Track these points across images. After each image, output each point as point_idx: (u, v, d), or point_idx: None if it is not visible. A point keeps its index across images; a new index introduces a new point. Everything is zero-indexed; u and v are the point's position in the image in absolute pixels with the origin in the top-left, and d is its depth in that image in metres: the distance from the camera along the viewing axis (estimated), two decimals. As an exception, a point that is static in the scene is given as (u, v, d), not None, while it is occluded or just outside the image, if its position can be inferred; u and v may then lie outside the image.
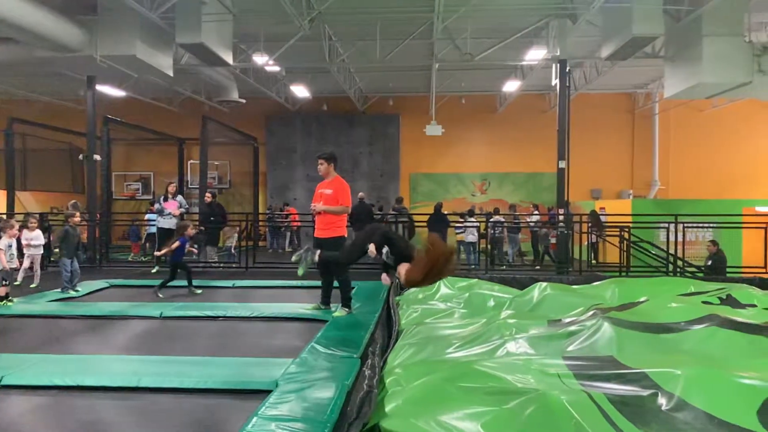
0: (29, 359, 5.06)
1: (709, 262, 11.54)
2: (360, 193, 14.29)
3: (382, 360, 4.90)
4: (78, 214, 9.45)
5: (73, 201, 12.47)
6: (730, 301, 6.81)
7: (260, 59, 13.74)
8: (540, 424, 3.53)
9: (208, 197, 13.30)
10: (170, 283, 8.66)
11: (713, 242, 11.66)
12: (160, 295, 8.36)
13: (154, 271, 11.04)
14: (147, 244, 14.92)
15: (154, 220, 14.05)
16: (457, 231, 14.85)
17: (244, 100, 17.70)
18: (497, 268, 12.74)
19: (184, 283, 8.80)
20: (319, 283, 7.50)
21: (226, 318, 7.00)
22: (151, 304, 7.75)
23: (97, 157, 13.76)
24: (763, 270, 10.49)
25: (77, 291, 8.61)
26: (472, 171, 20.68)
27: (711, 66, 10.93)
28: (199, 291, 8.70)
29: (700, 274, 11.31)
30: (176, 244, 8.73)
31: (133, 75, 13.23)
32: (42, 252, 9.85)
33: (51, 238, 12.25)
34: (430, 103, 16.40)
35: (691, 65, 11.33)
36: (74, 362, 5.05)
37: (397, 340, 5.85)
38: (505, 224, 14.98)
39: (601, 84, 17.57)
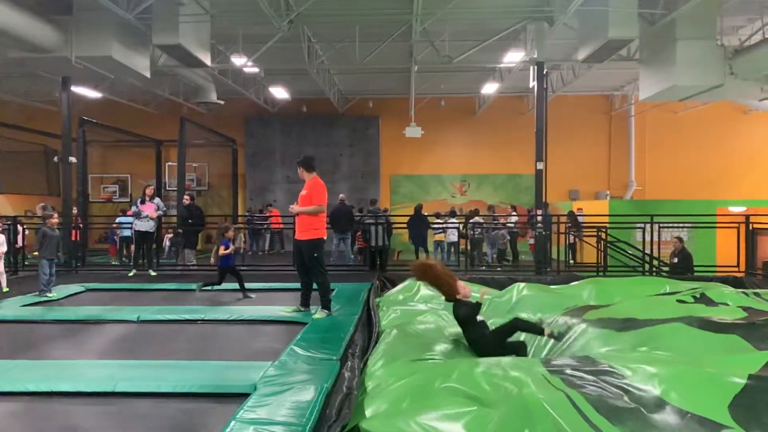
0: (2, 365, 4.96)
1: (675, 259, 11.75)
2: (340, 195, 14.27)
3: (362, 362, 4.91)
4: (56, 215, 9.27)
5: (42, 203, 12.23)
6: (704, 299, 6.96)
7: (238, 60, 13.65)
8: (519, 423, 3.58)
9: (186, 199, 13.18)
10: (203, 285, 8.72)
11: (678, 239, 11.87)
12: (252, 296, 8.40)
13: (131, 274, 10.91)
14: (124, 248, 14.70)
15: (125, 224, 13.92)
16: (436, 232, 14.92)
17: (222, 102, 17.59)
18: (476, 269, 12.81)
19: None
20: (298, 285, 7.49)
21: (204, 321, 6.93)
22: (128, 308, 7.64)
23: (73, 159, 13.56)
24: (736, 269, 10.70)
25: (53, 295, 8.47)
26: (452, 172, 20.80)
27: (684, 69, 11.12)
28: (252, 295, 8.55)
29: (666, 270, 11.53)
30: (222, 249, 8.60)
31: (109, 76, 13.07)
32: (2, 258, 9.58)
33: (25, 242, 12.05)
34: (410, 104, 16.45)
35: (665, 68, 11.52)
36: (49, 368, 4.97)
37: (377, 341, 5.86)
38: (484, 225, 15.07)
39: (578, 86, 17.79)
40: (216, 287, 8.77)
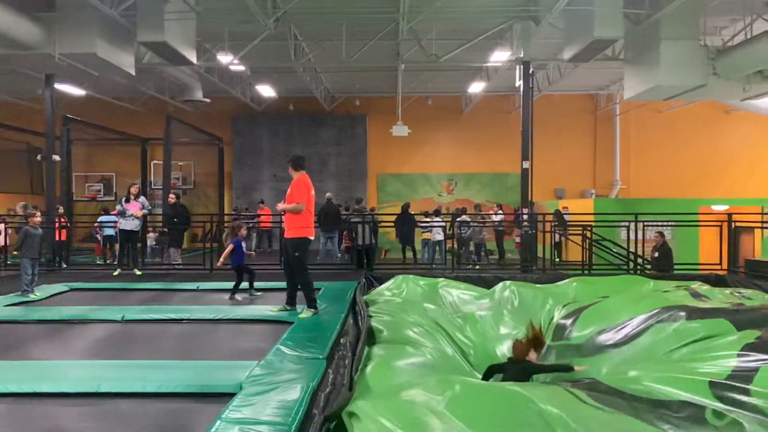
0: (-16, 366, 4.91)
1: (656, 254, 11.89)
2: (327, 194, 14.25)
3: (350, 363, 4.87)
4: (38, 213, 9.14)
5: (23, 202, 12.08)
6: (688, 290, 7.17)
7: (225, 58, 13.58)
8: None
9: (171, 198, 13.10)
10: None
11: (660, 233, 12.01)
12: (238, 298, 8.31)
13: (115, 273, 10.81)
14: (107, 247, 14.56)
15: (106, 223, 13.81)
16: (424, 230, 14.96)
17: (208, 100, 17.48)
18: (463, 267, 12.86)
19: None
20: (283, 284, 7.48)
21: (190, 321, 6.89)
22: (112, 307, 7.57)
23: (56, 157, 13.42)
24: (719, 267, 10.83)
25: (36, 295, 8.37)
26: (439, 171, 20.85)
27: (668, 68, 11.21)
28: (259, 293, 8.40)
29: (650, 267, 11.67)
30: (230, 247, 8.47)
31: (93, 73, 12.94)
32: None
33: (8, 242, 11.91)
34: (397, 103, 16.45)
35: (650, 68, 11.61)
36: (31, 368, 4.92)
37: (366, 340, 5.86)
38: (471, 224, 15.12)
39: (564, 85, 17.88)
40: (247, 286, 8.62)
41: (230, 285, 9.06)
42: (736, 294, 7.07)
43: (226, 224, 12.96)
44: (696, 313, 5.69)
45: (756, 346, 4.44)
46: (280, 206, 7.21)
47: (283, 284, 7.71)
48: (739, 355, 4.33)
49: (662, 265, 11.48)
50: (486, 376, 5.60)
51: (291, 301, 7.25)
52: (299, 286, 7.17)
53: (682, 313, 5.75)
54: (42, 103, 13.67)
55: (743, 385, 4.00)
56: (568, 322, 6.73)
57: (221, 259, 8.78)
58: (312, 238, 7.23)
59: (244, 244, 8.67)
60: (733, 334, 5.01)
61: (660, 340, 5.52)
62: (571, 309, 7.05)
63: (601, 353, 5.93)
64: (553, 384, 4.19)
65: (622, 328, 6.05)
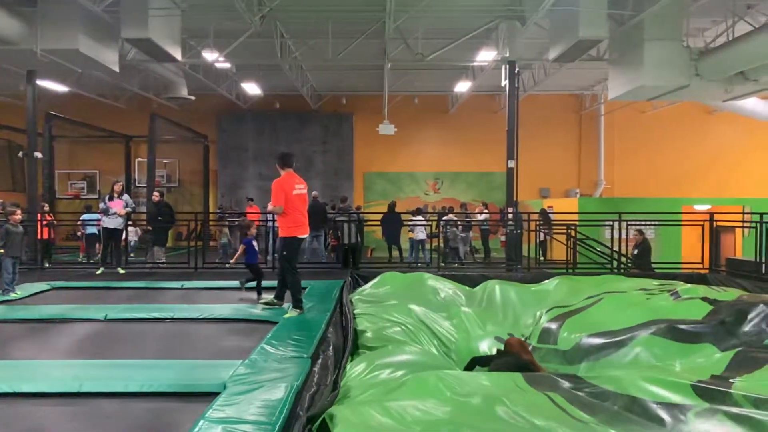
0: (-37, 366, 4.84)
1: (635, 251, 12.05)
2: (313, 192, 14.21)
3: (337, 363, 4.87)
4: (18, 211, 9.00)
5: (0, 200, 11.93)
6: (670, 291, 7.24)
7: (210, 56, 13.47)
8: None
9: (155, 196, 12.99)
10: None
11: (639, 231, 12.16)
12: (244, 290, 8.42)
13: (98, 272, 10.71)
14: (94, 245, 14.39)
15: (89, 221, 13.65)
16: (410, 229, 14.98)
17: (193, 97, 17.33)
18: (449, 266, 12.89)
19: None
20: (271, 283, 7.50)
21: (174, 320, 6.86)
22: (95, 306, 7.50)
23: (38, 154, 13.23)
24: (701, 265, 10.96)
25: (17, 294, 8.27)
26: (425, 170, 20.90)
27: (652, 69, 11.31)
28: (266, 298, 8.09)
29: (629, 264, 11.83)
30: (241, 248, 8.39)
31: (76, 70, 12.78)
32: None
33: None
34: (383, 102, 16.44)
35: (634, 68, 11.71)
36: (11, 368, 4.86)
37: (353, 341, 5.86)
38: (458, 222, 15.16)
39: (549, 85, 17.99)
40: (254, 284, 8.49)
41: (215, 284, 9.05)
42: (716, 290, 7.18)
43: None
44: (680, 334, 5.75)
45: (736, 361, 4.56)
46: (269, 207, 7.23)
47: (269, 284, 7.74)
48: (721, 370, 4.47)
49: (641, 262, 11.66)
50: (469, 368, 5.70)
51: (279, 296, 7.34)
52: (288, 285, 7.18)
53: (664, 327, 5.83)
54: (24, 99, 13.50)
55: (725, 389, 4.05)
56: (554, 326, 6.76)
57: (233, 261, 9.20)
58: (302, 236, 7.20)
59: (255, 243, 8.53)
60: (716, 354, 5.17)
61: (644, 357, 5.64)
62: (556, 314, 7.08)
63: (587, 362, 5.98)
64: (538, 391, 4.18)
65: (607, 340, 6.11)
